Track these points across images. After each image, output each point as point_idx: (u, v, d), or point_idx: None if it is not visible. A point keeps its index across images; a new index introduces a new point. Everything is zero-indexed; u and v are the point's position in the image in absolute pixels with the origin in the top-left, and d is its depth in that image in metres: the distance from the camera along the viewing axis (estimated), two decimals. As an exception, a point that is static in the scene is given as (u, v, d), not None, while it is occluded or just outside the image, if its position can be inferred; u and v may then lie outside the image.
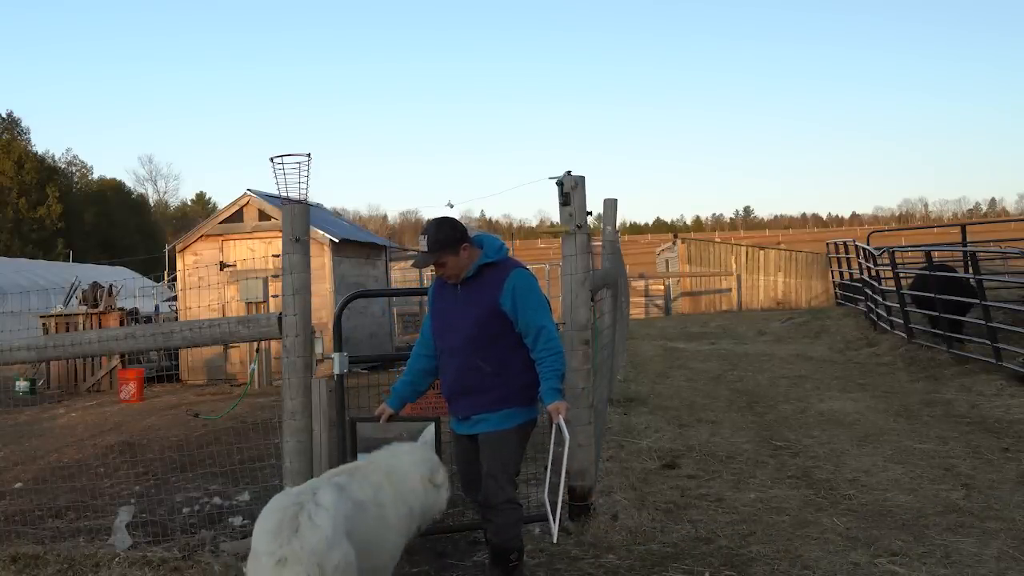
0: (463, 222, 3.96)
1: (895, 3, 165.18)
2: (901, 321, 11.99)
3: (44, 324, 14.09)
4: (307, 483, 3.31)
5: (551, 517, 3.60)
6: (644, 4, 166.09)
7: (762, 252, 27.67)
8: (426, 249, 3.74)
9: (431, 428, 3.90)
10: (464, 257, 3.76)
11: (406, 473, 3.49)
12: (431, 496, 3.53)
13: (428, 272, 21.95)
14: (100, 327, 13.19)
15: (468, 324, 3.76)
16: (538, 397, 3.84)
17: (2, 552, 4.57)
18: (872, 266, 13.80)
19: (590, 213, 4.97)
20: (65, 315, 14.20)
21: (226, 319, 4.78)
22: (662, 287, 27.35)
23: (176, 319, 15.81)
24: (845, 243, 18.88)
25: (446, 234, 3.73)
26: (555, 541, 3.55)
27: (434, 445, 3.83)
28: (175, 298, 17.53)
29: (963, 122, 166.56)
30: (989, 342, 9.30)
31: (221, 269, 14.35)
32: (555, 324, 3.83)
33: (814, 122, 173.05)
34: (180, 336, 4.56)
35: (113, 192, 63.03)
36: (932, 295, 10.65)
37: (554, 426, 3.66)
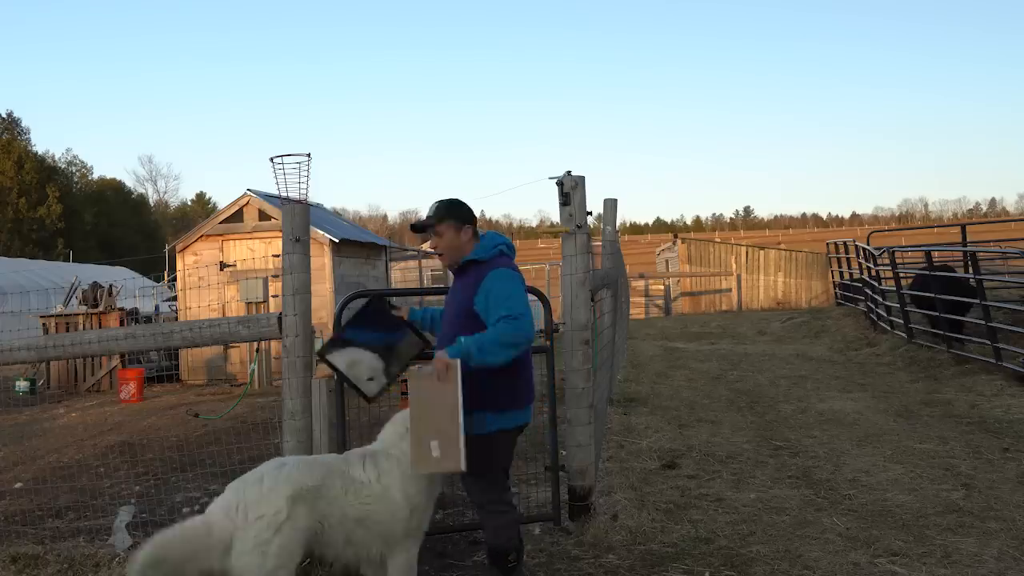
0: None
1: (895, 3, 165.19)
2: (901, 321, 11.99)
3: (44, 324, 14.09)
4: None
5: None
6: (644, 3, 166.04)
7: (762, 252, 27.66)
8: (431, 212, 3.69)
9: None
10: (463, 240, 3.69)
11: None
12: None
13: (428, 272, 21.93)
14: (100, 327, 13.19)
15: (449, 321, 3.72)
16: (524, 401, 3.72)
17: (2, 552, 4.57)
18: (872, 266, 13.81)
19: (590, 213, 4.96)
20: (65, 315, 14.20)
21: (226, 319, 4.77)
22: (662, 287, 27.33)
23: (176, 319, 15.80)
24: (845, 243, 18.89)
25: (455, 208, 3.70)
26: (462, 469, 3.40)
27: None
28: (175, 298, 17.53)
29: (963, 122, 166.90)
30: (989, 342, 9.30)
31: (221, 269, 14.35)
32: (528, 313, 3.52)
33: (814, 122, 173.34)
34: (180, 336, 4.56)
35: (113, 192, 63.05)
36: (932, 295, 10.64)
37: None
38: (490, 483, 3.70)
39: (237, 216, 14.69)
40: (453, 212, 3.69)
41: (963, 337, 10.51)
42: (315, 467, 3.47)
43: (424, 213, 3.86)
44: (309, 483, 3.37)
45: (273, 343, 11.59)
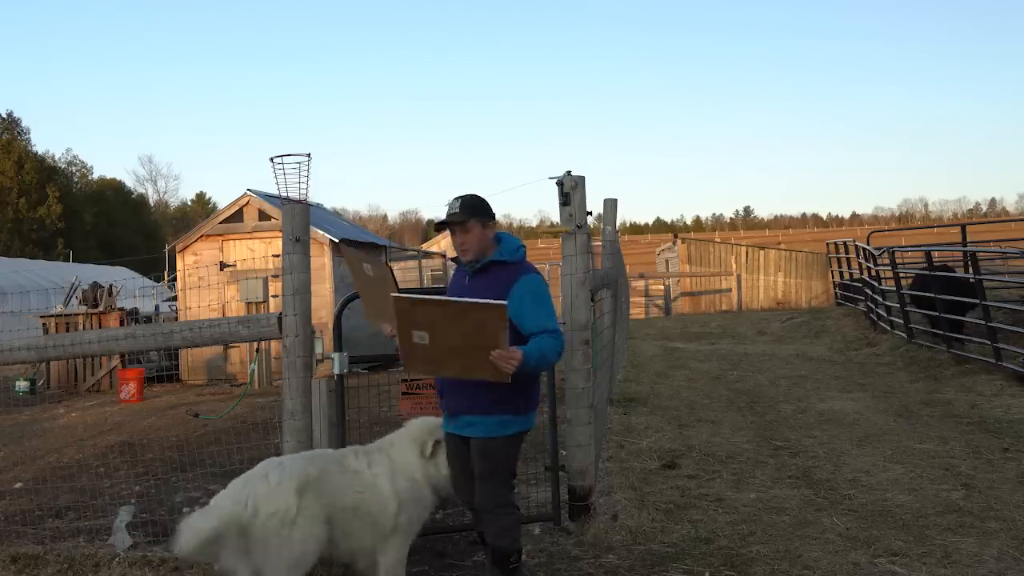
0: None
1: (894, 2, 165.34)
2: (901, 321, 11.99)
3: (44, 324, 14.09)
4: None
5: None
6: (644, 3, 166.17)
7: (762, 252, 27.66)
8: (457, 210, 3.64)
9: None
10: (488, 236, 3.69)
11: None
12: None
13: (428, 272, 21.91)
14: (100, 327, 13.19)
15: None
16: (535, 404, 3.77)
17: (2, 552, 4.57)
18: (872, 266, 13.81)
19: (590, 213, 4.96)
20: (65, 315, 14.19)
21: (226, 319, 4.78)
22: (662, 287, 27.33)
23: (176, 319, 15.80)
24: (845, 243, 18.88)
25: (482, 205, 3.68)
26: None
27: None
28: (175, 298, 17.53)
29: (963, 122, 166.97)
30: (989, 342, 9.30)
31: (221, 269, 14.35)
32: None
33: (814, 122, 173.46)
34: (180, 336, 4.56)
35: (113, 192, 63.02)
36: (932, 295, 10.64)
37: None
38: (501, 484, 3.70)
39: (237, 216, 14.69)
40: (480, 209, 3.67)
41: (963, 337, 10.50)
42: (314, 459, 3.59)
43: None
44: (313, 473, 3.47)
45: (273, 343, 11.58)
